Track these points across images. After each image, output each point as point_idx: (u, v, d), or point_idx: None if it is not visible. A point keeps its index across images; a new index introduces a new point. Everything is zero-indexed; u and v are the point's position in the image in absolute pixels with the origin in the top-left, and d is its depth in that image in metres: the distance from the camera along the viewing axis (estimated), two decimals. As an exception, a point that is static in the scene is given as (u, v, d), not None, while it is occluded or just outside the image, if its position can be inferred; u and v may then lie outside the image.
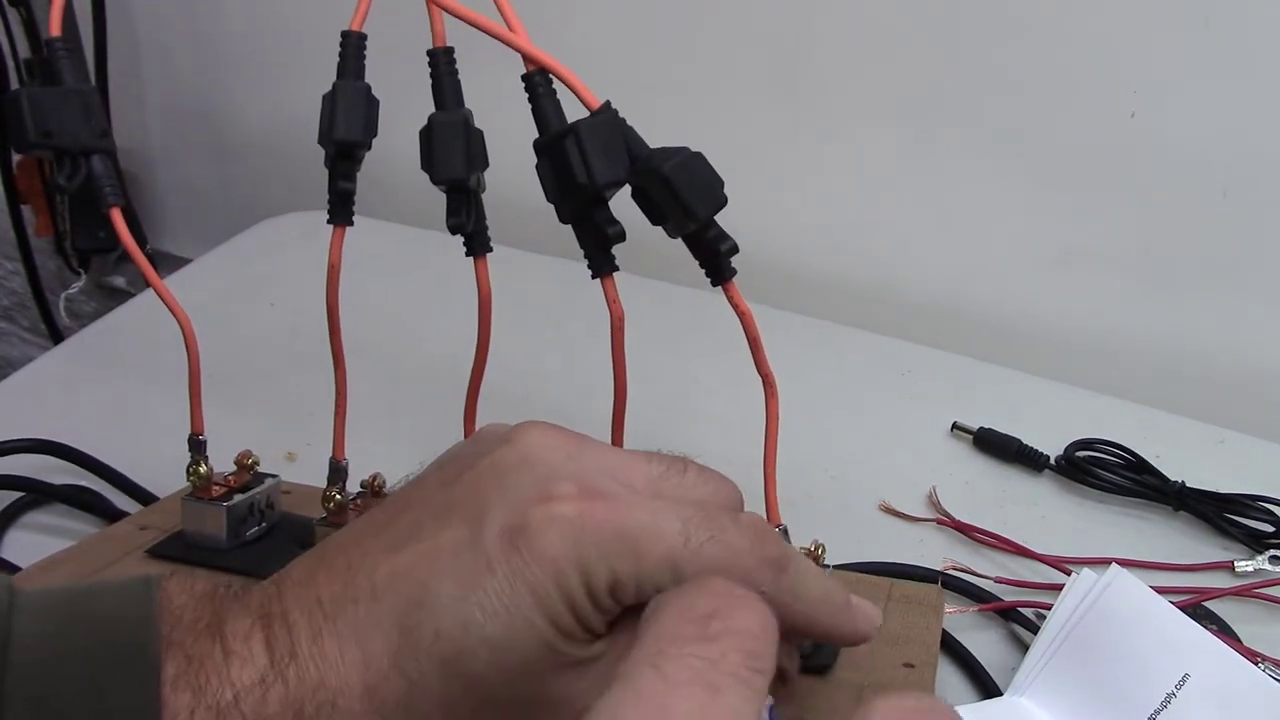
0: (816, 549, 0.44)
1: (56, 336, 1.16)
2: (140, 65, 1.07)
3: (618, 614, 0.32)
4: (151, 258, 1.09)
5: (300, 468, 0.56)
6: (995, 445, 0.64)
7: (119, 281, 1.17)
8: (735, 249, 0.41)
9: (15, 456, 0.58)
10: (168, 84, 1.07)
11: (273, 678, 0.30)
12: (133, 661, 0.30)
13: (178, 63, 1.05)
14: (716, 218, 0.41)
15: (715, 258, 0.41)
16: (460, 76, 0.45)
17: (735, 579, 0.30)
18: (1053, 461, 0.62)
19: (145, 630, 0.30)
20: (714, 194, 0.40)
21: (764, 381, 0.43)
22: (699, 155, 0.40)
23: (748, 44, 0.78)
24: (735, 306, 0.42)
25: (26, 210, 1.11)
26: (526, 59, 0.41)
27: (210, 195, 1.10)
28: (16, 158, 1.08)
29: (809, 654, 0.44)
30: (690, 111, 0.80)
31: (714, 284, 0.42)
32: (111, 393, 0.67)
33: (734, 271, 0.42)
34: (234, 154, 1.07)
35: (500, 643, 0.30)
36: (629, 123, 0.41)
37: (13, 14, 1.01)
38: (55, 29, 0.45)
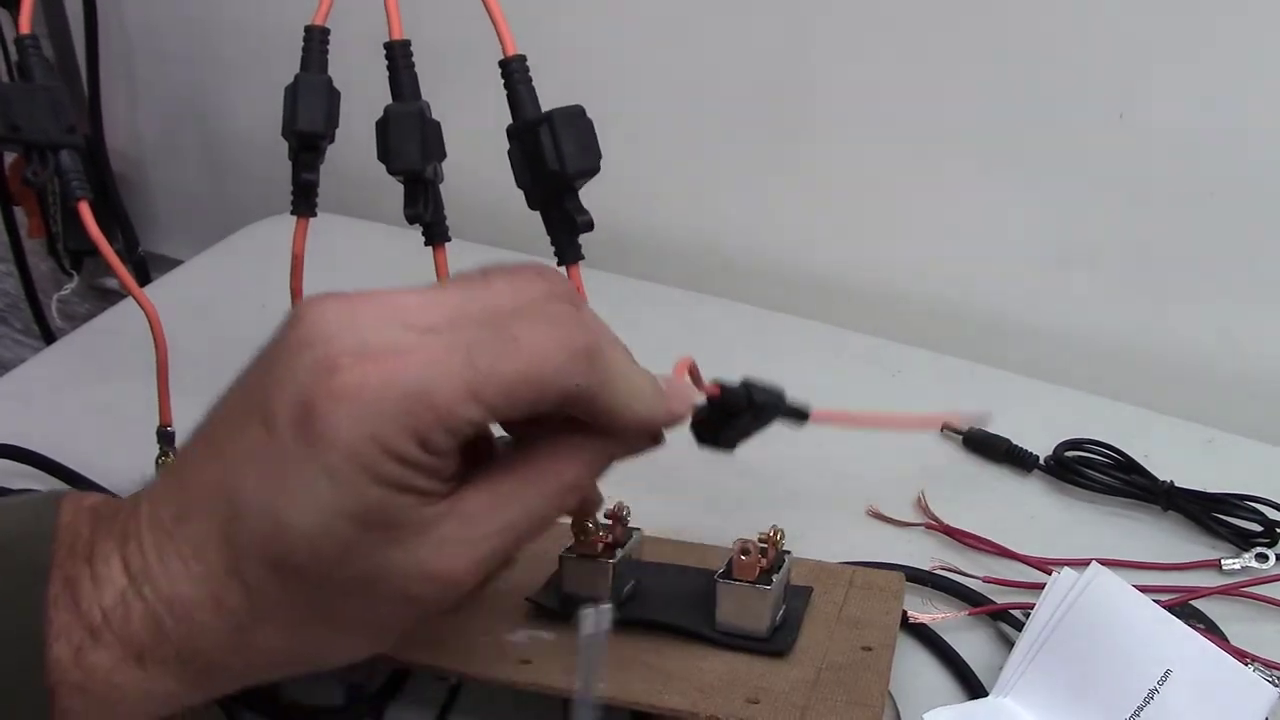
0: (775, 534, 0.45)
1: (49, 338, 1.16)
2: (133, 68, 1.07)
3: (454, 465, 0.32)
4: (144, 260, 1.10)
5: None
6: (984, 445, 0.64)
7: (112, 283, 1.17)
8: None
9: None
10: (160, 87, 1.07)
11: (131, 595, 0.32)
12: (21, 573, 0.32)
13: (170, 66, 1.05)
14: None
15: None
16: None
17: (545, 382, 0.31)
18: (1042, 462, 0.62)
19: (39, 551, 0.32)
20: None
21: None
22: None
23: (747, 45, 0.78)
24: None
25: (19, 212, 1.11)
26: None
27: (203, 197, 1.10)
28: (9, 159, 1.08)
29: (768, 638, 0.44)
30: (690, 112, 0.81)
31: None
32: (104, 394, 0.67)
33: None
34: (226, 156, 1.07)
35: (314, 531, 0.31)
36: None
37: (6, 16, 1.01)
38: (24, 27, 0.45)
